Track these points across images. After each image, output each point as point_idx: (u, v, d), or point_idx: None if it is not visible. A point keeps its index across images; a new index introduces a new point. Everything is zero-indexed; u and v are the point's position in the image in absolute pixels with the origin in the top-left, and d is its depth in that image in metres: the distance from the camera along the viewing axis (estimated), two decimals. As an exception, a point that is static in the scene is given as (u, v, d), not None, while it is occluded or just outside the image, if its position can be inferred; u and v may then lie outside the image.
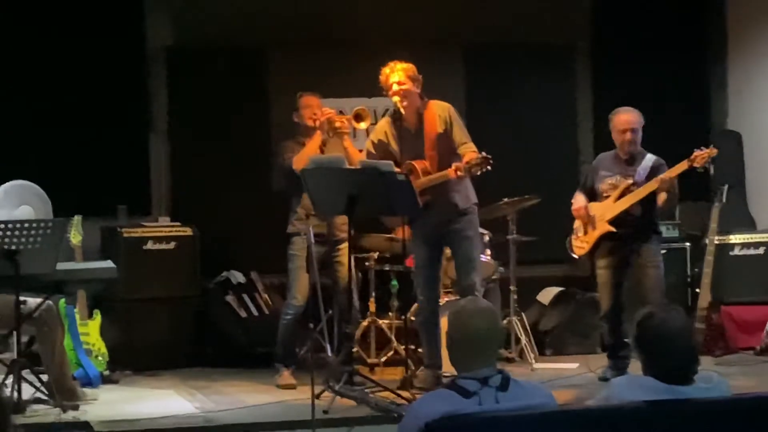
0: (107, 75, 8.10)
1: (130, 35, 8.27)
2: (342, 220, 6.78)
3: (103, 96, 8.08)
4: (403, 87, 6.53)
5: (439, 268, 6.79)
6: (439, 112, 6.59)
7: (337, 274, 7.03)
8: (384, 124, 6.77)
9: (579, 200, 7.08)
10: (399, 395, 6.21)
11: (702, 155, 6.76)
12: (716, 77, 9.32)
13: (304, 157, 6.78)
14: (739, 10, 9.26)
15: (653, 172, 6.89)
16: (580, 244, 7.13)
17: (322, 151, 6.94)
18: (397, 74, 6.53)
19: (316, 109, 7.02)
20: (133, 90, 8.28)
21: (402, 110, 6.59)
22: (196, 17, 8.46)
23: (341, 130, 6.89)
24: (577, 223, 7.15)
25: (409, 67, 6.58)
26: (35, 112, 7.95)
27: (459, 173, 6.35)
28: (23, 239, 5.80)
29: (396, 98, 6.55)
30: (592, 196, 7.09)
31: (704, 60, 9.30)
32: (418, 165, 6.56)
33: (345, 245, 6.82)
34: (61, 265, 6.11)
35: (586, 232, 7.07)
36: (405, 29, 8.59)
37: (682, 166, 6.82)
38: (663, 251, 7.17)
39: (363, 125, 6.97)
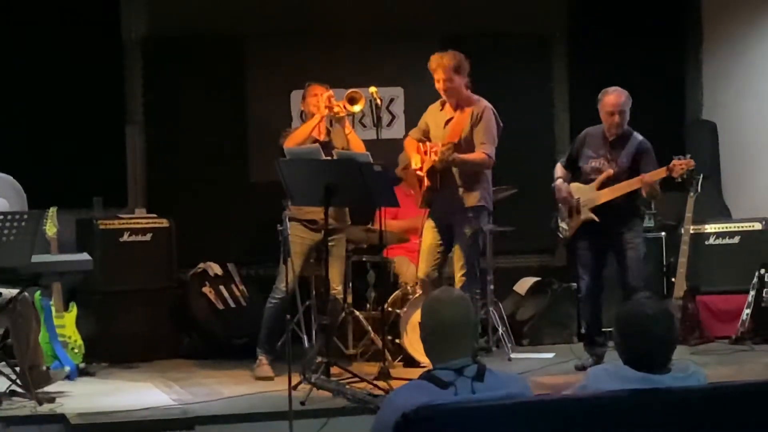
0: (82, 66, 8.05)
1: (105, 25, 8.21)
2: (337, 209, 6.74)
3: (78, 87, 8.03)
4: (445, 83, 6.73)
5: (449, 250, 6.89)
6: (475, 109, 6.74)
7: (326, 264, 6.92)
8: (434, 106, 6.94)
9: (562, 188, 7.09)
10: (376, 386, 6.22)
11: (680, 165, 6.83)
12: (691, 67, 9.34)
13: (295, 137, 6.78)
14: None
15: (637, 156, 6.93)
16: (566, 226, 7.17)
17: (325, 140, 6.92)
18: (438, 71, 6.72)
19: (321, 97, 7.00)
20: (108, 81, 8.22)
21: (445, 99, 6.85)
22: (171, 7, 8.41)
23: (339, 115, 6.89)
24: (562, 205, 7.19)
25: (451, 59, 6.73)
26: (9, 103, 7.89)
27: (435, 158, 6.55)
28: (-3, 231, 5.75)
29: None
30: (574, 169, 7.11)
31: (679, 50, 9.32)
32: (425, 147, 6.79)
33: (340, 236, 6.85)
34: (37, 258, 6.05)
35: (570, 216, 7.09)
36: (382, 19, 8.58)
37: (660, 173, 6.86)
38: (639, 240, 7.20)
39: (357, 108, 6.95)
